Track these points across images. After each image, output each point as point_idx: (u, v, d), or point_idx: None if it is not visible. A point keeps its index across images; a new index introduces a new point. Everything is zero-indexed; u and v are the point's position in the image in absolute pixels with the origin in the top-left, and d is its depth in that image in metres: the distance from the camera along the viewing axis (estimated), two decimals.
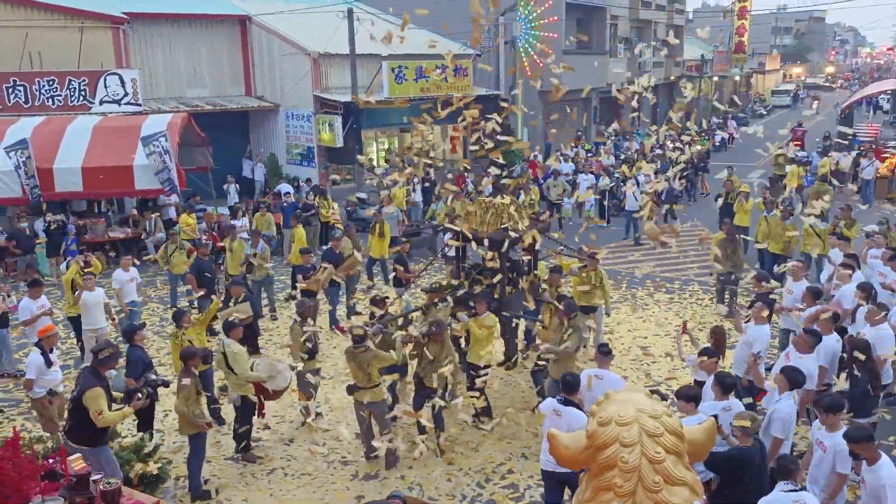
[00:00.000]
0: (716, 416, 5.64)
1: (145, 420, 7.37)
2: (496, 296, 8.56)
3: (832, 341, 7.25)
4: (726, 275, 11.09)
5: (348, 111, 20.11)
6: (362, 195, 18.99)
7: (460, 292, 8.63)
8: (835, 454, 5.38)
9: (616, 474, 3.50)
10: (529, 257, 9.20)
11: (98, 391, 5.76)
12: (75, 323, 9.98)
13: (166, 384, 7.54)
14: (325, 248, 15.08)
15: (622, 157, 23.55)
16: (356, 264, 11.13)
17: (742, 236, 12.15)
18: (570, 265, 9.76)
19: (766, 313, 7.54)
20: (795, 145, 34.92)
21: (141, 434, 7.09)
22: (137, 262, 12.17)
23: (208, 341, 9.17)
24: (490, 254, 8.35)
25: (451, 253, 9.22)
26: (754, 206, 13.71)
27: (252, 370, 7.45)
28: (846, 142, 19.74)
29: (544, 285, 8.99)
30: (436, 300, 8.62)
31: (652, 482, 3.45)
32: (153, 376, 7.39)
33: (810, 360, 6.77)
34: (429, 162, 9.20)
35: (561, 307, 7.81)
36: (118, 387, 7.37)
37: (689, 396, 5.83)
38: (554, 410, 5.92)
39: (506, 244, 8.42)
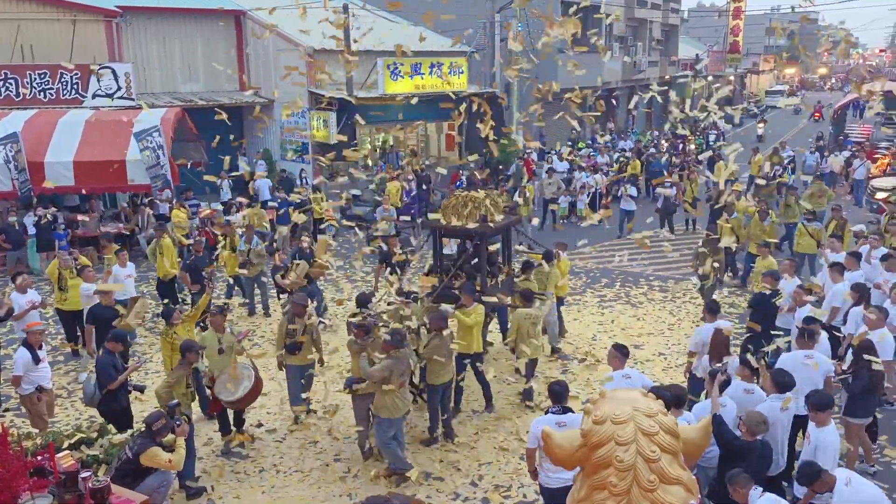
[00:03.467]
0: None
1: (125, 424, 7.21)
2: (478, 287, 8.58)
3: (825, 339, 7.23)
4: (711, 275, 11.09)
5: (343, 107, 19.99)
6: (356, 192, 18.89)
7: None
8: (816, 448, 5.47)
9: (611, 473, 3.47)
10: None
11: (154, 450, 5.94)
12: (63, 317, 9.87)
13: (141, 389, 7.45)
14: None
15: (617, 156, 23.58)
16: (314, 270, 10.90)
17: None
18: (538, 257, 9.80)
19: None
20: (816, 117, 36.94)
21: (131, 431, 7.00)
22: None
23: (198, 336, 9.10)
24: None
25: (448, 250, 9.19)
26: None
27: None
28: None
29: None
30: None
31: (647, 481, 3.42)
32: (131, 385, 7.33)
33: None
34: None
35: (387, 337, 6.97)
36: (88, 392, 7.25)
37: (674, 397, 5.61)
38: (557, 423, 5.57)
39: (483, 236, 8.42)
